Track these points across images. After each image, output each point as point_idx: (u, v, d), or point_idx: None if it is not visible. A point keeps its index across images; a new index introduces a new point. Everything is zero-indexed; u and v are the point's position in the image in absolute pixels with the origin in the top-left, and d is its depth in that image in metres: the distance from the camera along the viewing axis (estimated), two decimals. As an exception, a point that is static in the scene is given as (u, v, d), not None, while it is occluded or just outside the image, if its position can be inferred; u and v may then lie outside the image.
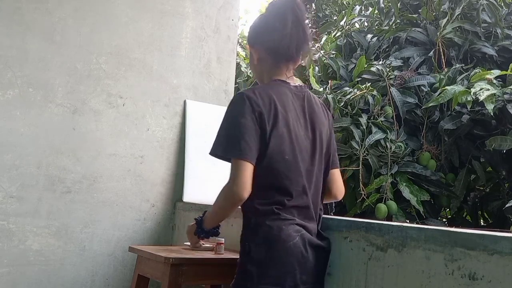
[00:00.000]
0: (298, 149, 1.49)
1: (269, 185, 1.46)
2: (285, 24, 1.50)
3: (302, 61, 1.64)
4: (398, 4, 4.50)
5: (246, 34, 5.93)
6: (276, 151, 1.45)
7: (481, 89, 3.22)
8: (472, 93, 3.26)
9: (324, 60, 4.35)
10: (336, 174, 1.67)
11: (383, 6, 4.65)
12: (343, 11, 5.23)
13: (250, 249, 1.45)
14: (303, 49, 1.58)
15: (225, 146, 1.45)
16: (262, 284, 1.41)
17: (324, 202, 1.65)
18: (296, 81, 1.61)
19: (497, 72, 3.43)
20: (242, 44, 5.47)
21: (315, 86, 4.04)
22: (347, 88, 3.97)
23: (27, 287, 2.44)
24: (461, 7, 4.05)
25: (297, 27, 1.52)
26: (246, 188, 1.41)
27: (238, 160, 1.41)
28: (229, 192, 1.43)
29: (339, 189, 1.70)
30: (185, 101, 2.94)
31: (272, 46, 1.54)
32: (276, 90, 1.52)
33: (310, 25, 1.59)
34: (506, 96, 3.30)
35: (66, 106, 2.58)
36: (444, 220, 4.14)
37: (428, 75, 3.97)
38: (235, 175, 1.41)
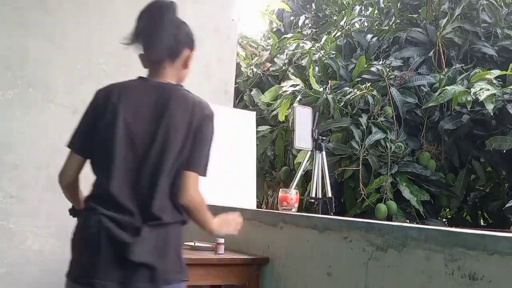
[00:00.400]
0: (122, 140, 1.47)
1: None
2: (143, 17, 1.61)
3: (184, 67, 1.60)
4: (398, 4, 4.50)
5: (246, 34, 5.93)
6: (97, 141, 1.52)
7: (481, 89, 3.23)
8: (472, 93, 3.26)
9: (324, 60, 4.35)
10: (189, 177, 1.52)
11: (383, 6, 4.65)
12: (343, 11, 5.23)
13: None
14: (156, 51, 1.56)
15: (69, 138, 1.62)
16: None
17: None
18: (171, 78, 1.57)
19: (497, 72, 3.43)
20: (242, 44, 5.47)
21: (315, 86, 4.05)
22: (347, 88, 3.97)
23: (27, 287, 2.44)
24: (461, 7, 4.05)
25: (149, 28, 1.57)
26: (63, 173, 1.62)
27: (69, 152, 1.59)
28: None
29: (188, 194, 1.53)
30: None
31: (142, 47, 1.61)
32: (126, 84, 1.58)
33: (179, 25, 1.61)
34: (506, 96, 3.30)
35: (66, 106, 2.58)
36: (444, 220, 4.14)
37: (428, 75, 3.98)
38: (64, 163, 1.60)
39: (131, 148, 1.47)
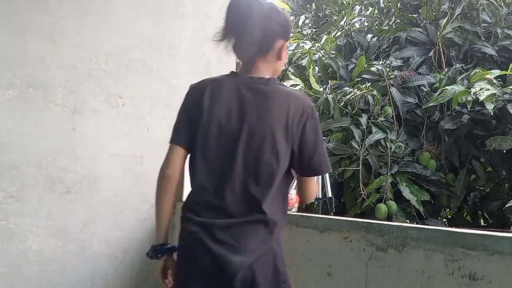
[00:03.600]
0: (216, 139, 1.44)
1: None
2: (232, 12, 1.50)
3: (278, 59, 1.53)
4: (398, 4, 4.50)
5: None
6: (192, 139, 1.48)
7: (481, 89, 3.23)
8: (472, 93, 3.26)
9: (324, 60, 4.35)
10: (311, 180, 1.55)
11: (383, 6, 4.65)
12: (343, 11, 5.23)
13: None
14: (261, 46, 1.47)
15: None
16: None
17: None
18: (263, 72, 1.50)
19: (497, 72, 3.43)
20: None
21: (315, 86, 4.05)
22: (347, 88, 3.97)
23: (27, 287, 2.43)
24: (461, 7, 4.05)
25: (241, 24, 1.46)
26: (170, 165, 1.49)
27: (169, 144, 1.52)
28: (159, 172, 1.52)
29: (310, 194, 1.58)
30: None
31: (232, 41, 1.52)
32: (218, 80, 1.52)
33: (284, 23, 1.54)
34: (506, 96, 3.30)
35: (66, 106, 2.58)
36: (444, 220, 4.15)
37: (428, 75, 3.98)
38: (164, 158, 1.52)
39: (225, 150, 1.43)
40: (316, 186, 1.60)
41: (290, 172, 1.51)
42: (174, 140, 1.51)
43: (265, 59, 1.50)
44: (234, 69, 1.63)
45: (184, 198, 1.56)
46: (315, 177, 1.56)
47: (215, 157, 1.44)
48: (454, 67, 3.79)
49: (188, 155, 1.52)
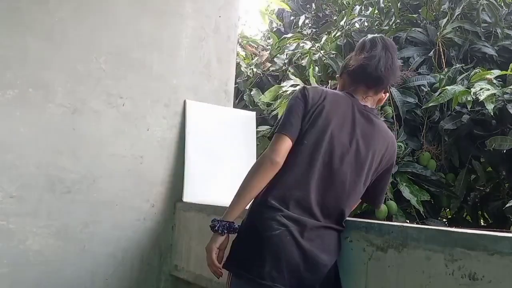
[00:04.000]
0: (326, 145, 1.54)
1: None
2: (376, 53, 1.66)
3: (379, 102, 1.74)
4: (398, 4, 4.50)
5: (246, 34, 5.93)
6: (302, 136, 1.55)
7: (481, 89, 3.22)
8: (472, 93, 3.26)
9: (324, 60, 4.35)
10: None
11: (383, 6, 4.65)
12: (343, 11, 5.23)
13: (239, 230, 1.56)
14: (387, 79, 1.66)
15: (276, 125, 1.66)
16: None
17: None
18: (370, 104, 1.69)
19: (497, 72, 3.43)
20: (242, 44, 5.47)
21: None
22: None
23: (27, 287, 2.43)
24: (461, 7, 4.05)
25: (387, 59, 1.65)
26: (279, 153, 1.51)
27: (277, 134, 1.55)
28: (262, 157, 1.54)
29: None
30: (185, 101, 2.94)
31: (356, 68, 1.68)
32: (336, 93, 1.65)
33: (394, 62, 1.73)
34: (506, 96, 3.30)
35: (66, 106, 2.58)
36: (444, 220, 4.14)
37: (428, 75, 3.97)
38: (271, 144, 1.54)
39: (331, 159, 1.54)
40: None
41: None
42: (286, 130, 1.55)
43: (374, 95, 1.69)
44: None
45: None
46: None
47: (319, 161, 1.53)
48: (454, 67, 3.78)
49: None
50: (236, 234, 1.55)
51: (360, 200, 1.73)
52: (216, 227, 1.53)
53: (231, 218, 1.54)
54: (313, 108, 1.56)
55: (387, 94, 1.74)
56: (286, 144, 1.53)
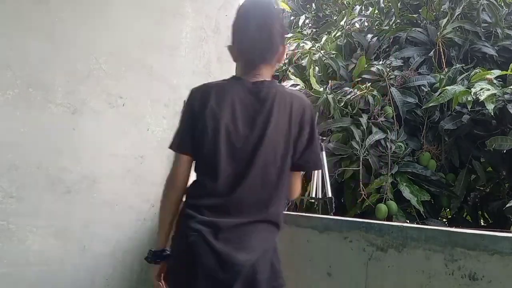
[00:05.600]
0: (225, 144, 1.46)
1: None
2: (248, 26, 1.53)
3: (277, 62, 1.60)
4: (398, 4, 4.50)
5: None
6: (198, 144, 1.50)
7: (481, 89, 3.22)
8: (472, 93, 3.26)
9: (324, 60, 4.35)
10: (299, 176, 1.61)
11: (383, 6, 4.65)
12: (343, 11, 5.23)
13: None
14: (268, 53, 1.53)
15: (172, 140, 1.59)
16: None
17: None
18: (266, 75, 1.54)
19: (497, 72, 3.43)
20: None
21: (315, 86, 4.05)
22: (347, 88, 3.97)
23: (27, 287, 2.43)
24: (461, 7, 4.05)
25: (261, 31, 1.50)
26: (178, 175, 1.54)
27: (175, 153, 1.56)
28: (166, 181, 1.57)
29: (297, 191, 1.62)
30: (185, 101, 2.93)
31: (236, 46, 1.57)
32: (221, 85, 1.55)
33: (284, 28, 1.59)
34: (506, 96, 3.30)
35: (66, 106, 2.58)
36: (444, 220, 4.14)
37: (428, 75, 3.98)
38: (172, 166, 1.56)
39: (234, 154, 1.46)
40: (300, 185, 1.63)
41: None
42: (180, 148, 1.53)
43: (269, 64, 1.55)
44: (233, 70, 1.65)
45: (185, 198, 1.57)
46: (301, 174, 1.60)
47: (222, 161, 1.45)
48: (454, 67, 3.78)
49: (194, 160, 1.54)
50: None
51: (295, 174, 1.58)
52: (149, 259, 1.57)
53: (161, 246, 1.56)
54: (201, 113, 1.49)
55: (284, 47, 1.58)
56: (184, 163, 1.53)
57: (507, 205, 3.21)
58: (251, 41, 1.52)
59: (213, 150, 1.46)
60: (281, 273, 1.48)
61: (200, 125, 1.48)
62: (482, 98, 3.15)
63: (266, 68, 1.55)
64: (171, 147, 1.58)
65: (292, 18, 6.05)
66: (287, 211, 3.03)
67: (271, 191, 1.47)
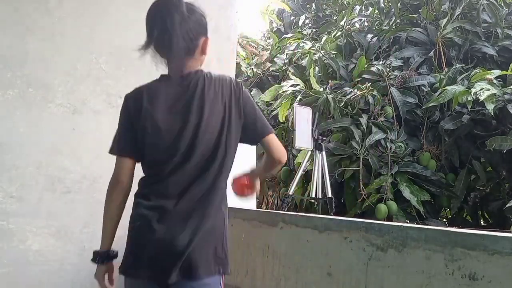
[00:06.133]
0: (164, 139, 1.51)
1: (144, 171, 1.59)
2: (154, 25, 1.60)
3: (202, 54, 1.64)
4: (398, 4, 4.50)
5: (246, 34, 5.93)
6: (141, 145, 1.54)
7: (481, 89, 3.23)
8: (472, 93, 3.26)
9: (324, 60, 4.35)
10: (269, 140, 1.61)
11: (383, 6, 4.65)
12: (343, 11, 5.23)
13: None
14: (175, 47, 1.54)
15: (111, 145, 1.64)
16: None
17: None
18: (191, 67, 1.59)
19: (497, 72, 3.43)
20: (242, 44, 5.47)
21: (315, 86, 4.05)
22: (347, 88, 3.97)
23: (27, 287, 2.43)
24: (461, 7, 4.05)
25: (163, 37, 1.55)
26: (119, 176, 1.58)
27: (116, 157, 1.61)
28: (110, 182, 1.61)
29: (279, 151, 1.62)
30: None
31: (152, 45, 1.62)
32: (152, 86, 1.61)
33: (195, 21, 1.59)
34: (506, 96, 3.30)
35: (66, 106, 2.58)
36: (444, 220, 4.14)
37: (428, 75, 3.98)
38: (114, 169, 1.61)
39: (173, 147, 1.50)
40: (279, 144, 1.63)
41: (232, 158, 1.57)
42: (120, 152, 1.59)
43: (192, 58, 1.59)
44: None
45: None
46: (272, 136, 1.61)
47: (163, 155, 1.50)
48: (454, 67, 3.79)
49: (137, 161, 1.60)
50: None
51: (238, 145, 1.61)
52: (96, 260, 1.61)
53: (106, 247, 1.60)
54: (136, 115, 1.55)
55: (206, 39, 1.62)
56: (125, 165, 1.58)
57: (507, 205, 3.21)
58: (158, 45, 1.59)
59: (154, 147, 1.51)
60: (223, 260, 1.50)
61: (139, 127, 1.54)
62: (482, 98, 3.15)
63: (188, 62, 1.58)
64: (111, 151, 1.62)
65: (292, 18, 6.06)
66: (287, 211, 3.04)
67: (214, 174, 1.51)
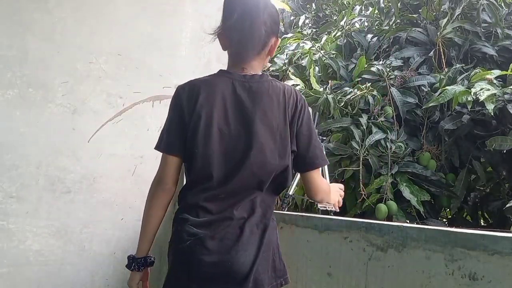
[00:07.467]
0: (217, 143, 1.38)
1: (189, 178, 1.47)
2: (231, 15, 1.46)
3: (269, 55, 1.52)
4: (398, 4, 4.50)
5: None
6: (190, 145, 1.41)
7: (481, 89, 3.22)
8: (472, 93, 3.26)
9: (324, 60, 4.35)
10: (310, 176, 1.50)
11: (383, 6, 4.65)
12: (343, 11, 5.23)
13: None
14: (251, 43, 1.43)
15: (158, 141, 1.50)
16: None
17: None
18: (256, 69, 1.47)
19: (497, 72, 3.43)
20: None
21: (315, 86, 4.05)
22: (347, 88, 3.97)
23: (27, 287, 2.43)
24: (461, 7, 4.05)
25: (243, 20, 1.42)
26: (165, 177, 1.45)
27: (162, 154, 1.47)
28: (153, 185, 1.48)
29: (314, 192, 1.53)
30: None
31: (223, 34, 1.51)
32: (210, 81, 1.46)
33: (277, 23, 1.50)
34: (506, 96, 3.30)
35: (66, 106, 2.58)
36: (444, 220, 4.14)
37: (428, 75, 3.97)
38: (159, 168, 1.48)
39: (226, 154, 1.38)
40: (323, 180, 1.53)
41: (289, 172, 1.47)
42: (168, 150, 1.46)
43: (259, 56, 1.48)
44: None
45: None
46: (317, 171, 1.50)
47: (215, 161, 1.38)
48: (454, 67, 3.78)
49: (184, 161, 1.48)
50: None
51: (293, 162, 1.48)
52: (132, 267, 1.49)
53: (143, 253, 1.50)
54: (190, 111, 1.41)
55: (277, 40, 1.50)
56: (172, 163, 1.45)
57: (507, 205, 3.21)
58: (234, 30, 1.45)
59: (205, 150, 1.38)
60: (281, 271, 1.43)
61: (190, 124, 1.40)
62: (482, 98, 3.15)
63: (254, 60, 1.46)
64: (158, 148, 1.49)
65: (292, 18, 6.05)
66: (287, 211, 3.03)
67: (265, 190, 1.41)
